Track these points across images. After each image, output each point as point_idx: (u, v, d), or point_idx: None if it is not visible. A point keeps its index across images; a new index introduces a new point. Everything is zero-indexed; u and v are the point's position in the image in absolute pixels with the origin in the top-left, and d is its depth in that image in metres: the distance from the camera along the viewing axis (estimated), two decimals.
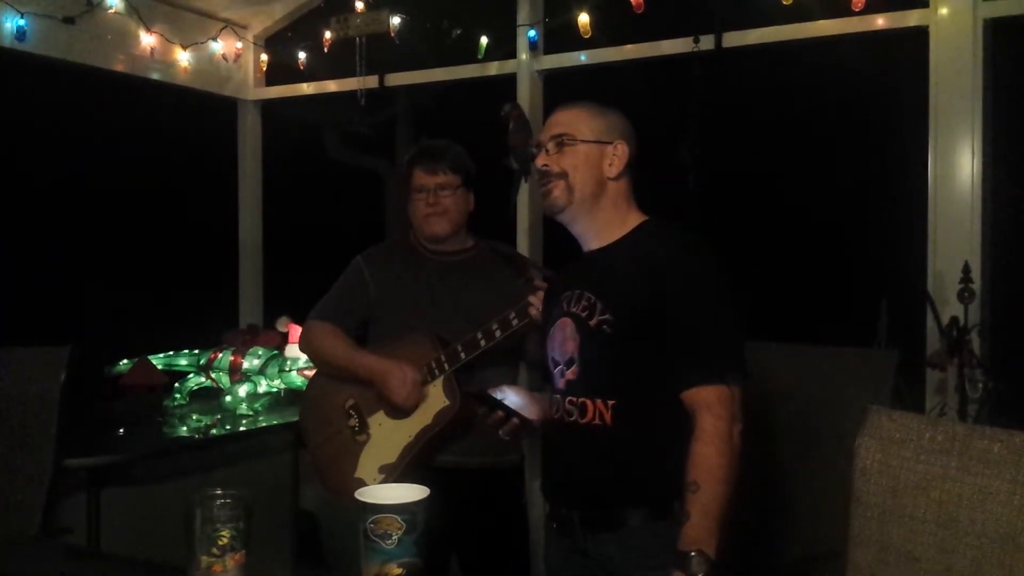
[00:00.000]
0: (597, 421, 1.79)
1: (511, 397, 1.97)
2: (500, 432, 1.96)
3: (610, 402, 1.78)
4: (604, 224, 1.88)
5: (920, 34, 2.92)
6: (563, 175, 1.84)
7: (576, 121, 1.87)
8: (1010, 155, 3.01)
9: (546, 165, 1.86)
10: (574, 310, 1.85)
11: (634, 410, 1.77)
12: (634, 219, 1.89)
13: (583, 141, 1.85)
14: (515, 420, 1.93)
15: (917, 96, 2.95)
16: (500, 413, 1.93)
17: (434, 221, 2.53)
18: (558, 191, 1.84)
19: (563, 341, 1.86)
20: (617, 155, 1.86)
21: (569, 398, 1.84)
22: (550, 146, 1.87)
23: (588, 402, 1.80)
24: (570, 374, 1.85)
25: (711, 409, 1.67)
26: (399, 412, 2.41)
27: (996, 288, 2.88)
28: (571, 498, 1.86)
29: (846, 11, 2.95)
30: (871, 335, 2.79)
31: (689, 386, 1.70)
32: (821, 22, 3.06)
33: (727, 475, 1.63)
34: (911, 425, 1.52)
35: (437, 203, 2.51)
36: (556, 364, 1.89)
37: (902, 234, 3.23)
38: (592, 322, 1.80)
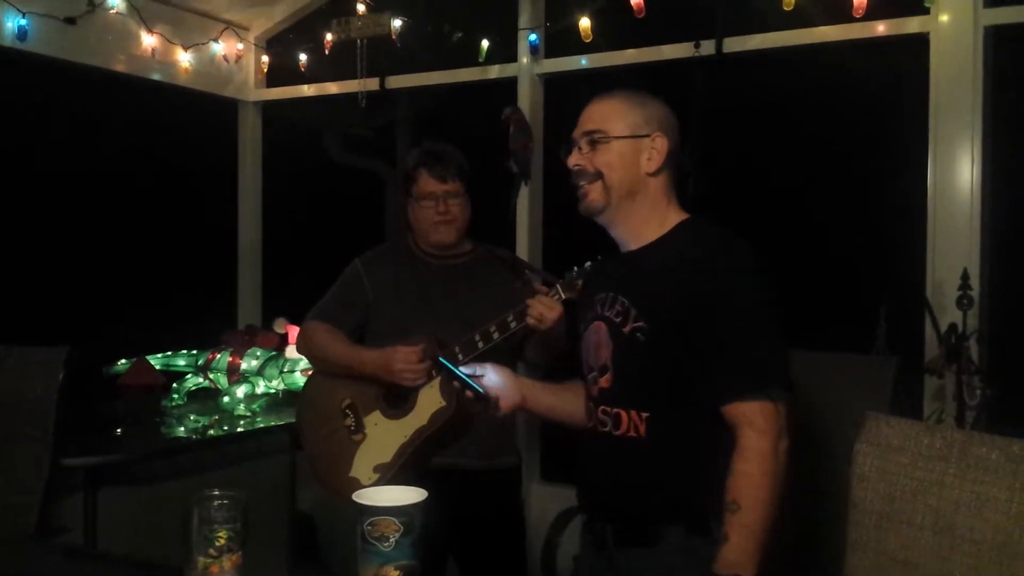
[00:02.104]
0: (632, 433, 1.68)
1: (490, 376, 1.88)
2: (466, 405, 1.95)
3: (644, 414, 1.67)
4: (642, 223, 1.75)
5: (921, 41, 2.93)
6: (598, 175, 1.73)
7: (611, 115, 1.75)
8: (1010, 162, 3.01)
9: (579, 165, 1.75)
10: (607, 314, 1.74)
11: (670, 423, 1.66)
12: (674, 218, 1.76)
13: (617, 138, 1.73)
14: (468, 393, 1.85)
15: (917, 103, 2.95)
16: (457, 384, 1.88)
17: (443, 229, 2.51)
18: (595, 193, 1.74)
19: (597, 346, 1.77)
20: (656, 148, 1.73)
21: (602, 407, 1.74)
22: (583, 144, 1.75)
23: (623, 413, 1.70)
24: (603, 382, 1.75)
25: (753, 425, 1.56)
26: (395, 412, 2.40)
27: (995, 295, 2.88)
28: (605, 511, 1.77)
29: (847, 17, 2.96)
30: (870, 341, 2.78)
31: (730, 400, 1.59)
32: (822, 28, 3.07)
33: (770, 496, 1.53)
34: (909, 432, 1.52)
35: (447, 211, 2.49)
36: (590, 370, 1.79)
37: (901, 241, 3.23)
38: (626, 329, 1.70)
